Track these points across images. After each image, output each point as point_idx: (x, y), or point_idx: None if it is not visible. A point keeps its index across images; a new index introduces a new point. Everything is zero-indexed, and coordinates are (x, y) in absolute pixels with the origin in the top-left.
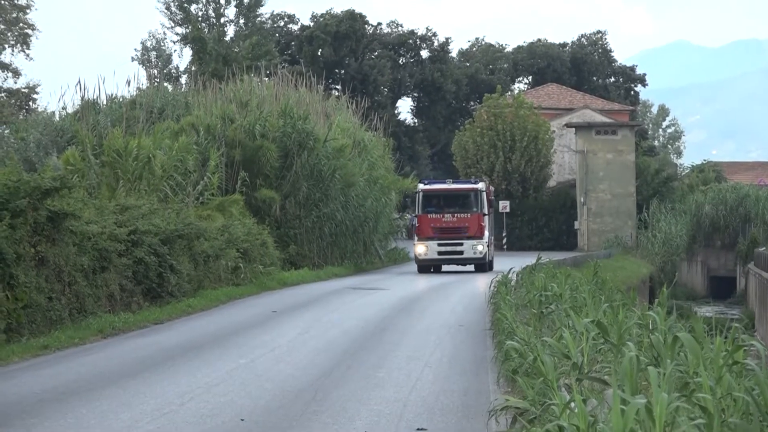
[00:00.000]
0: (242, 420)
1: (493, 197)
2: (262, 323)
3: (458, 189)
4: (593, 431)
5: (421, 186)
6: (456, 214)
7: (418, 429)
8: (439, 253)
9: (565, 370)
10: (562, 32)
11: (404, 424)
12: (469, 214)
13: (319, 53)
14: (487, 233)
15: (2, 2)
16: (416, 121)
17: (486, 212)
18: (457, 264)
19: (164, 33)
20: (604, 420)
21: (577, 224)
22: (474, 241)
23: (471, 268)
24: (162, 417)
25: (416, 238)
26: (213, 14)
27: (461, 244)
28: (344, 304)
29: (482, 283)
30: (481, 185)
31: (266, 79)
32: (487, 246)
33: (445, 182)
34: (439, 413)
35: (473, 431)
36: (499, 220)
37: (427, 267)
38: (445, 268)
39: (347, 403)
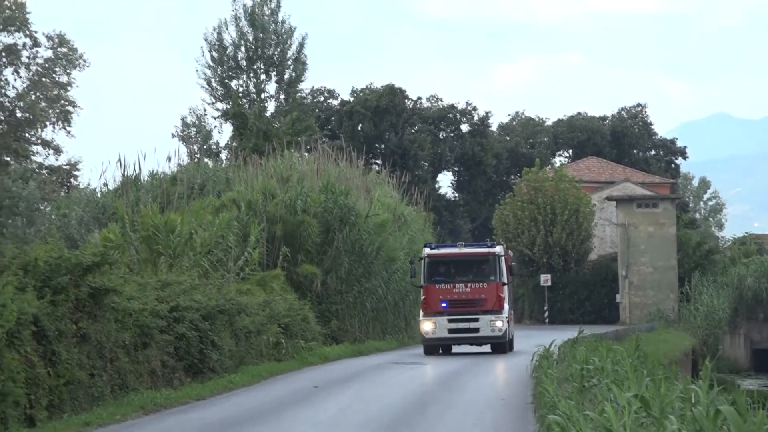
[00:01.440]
0: None
1: (513, 263)
2: (303, 399)
3: (472, 254)
4: None
5: (426, 250)
6: (470, 284)
7: None
8: (450, 330)
9: None
10: (602, 105)
11: None
12: (485, 284)
13: (359, 128)
14: (506, 306)
15: (43, 80)
16: (457, 195)
17: (505, 281)
18: (472, 344)
19: (204, 109)
20: None
21: (618, 297)
22: (492, 316)
23: (486, 348)
24: None
25: (422, 313)
26: (254, 90)
27: (476, 320)
28: (385, 379)
29: (520, 359)
30: (498, 249)
31: (307, 154)
32: (507, 322)
33: (455, 246)
34: None
35: None
36: (540, 293)
37: (435, 348)
38: (455, 349)
39: None
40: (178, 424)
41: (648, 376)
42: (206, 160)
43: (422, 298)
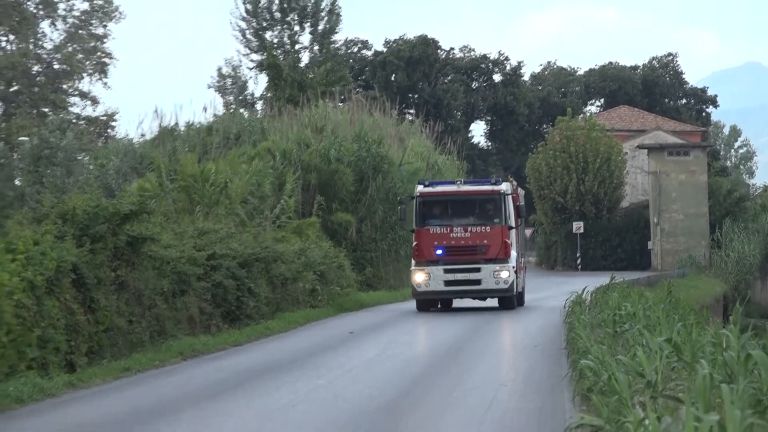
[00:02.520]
0: None
1: (522, 202)
2: (339, 344)
3: (472, 192)
4: None
5: (419, 188)
6: (470, 228)
7: None
8: (447, 282)
9: (639, 388)
10: (634, 55)
11: None
12: (488, 228)
13: (392, 78)
14: (514, 254)
15: (80, 32)
16: (489, 144)
17: (513, 224)
18: (473, 297)
19: (240, 60)
20: None
21: (650, 244)
22: (496, 266)
23: (493, 302)
24: None
25: (413, 262)
26: (288, 41)
27: (478, 270)
28: (420, 325)
29: (558, 303)
30: (504, 186)
31: (341, 104)
32: (515, 272)
33: (454, 183)
34: None
35: None
36: (573, 241)
37: (430, 303)
38: (457, 302)
39: (424, 422)
40: (215, 370)
41: (679, 322)
42: (242, 110)
43: (414, 244)
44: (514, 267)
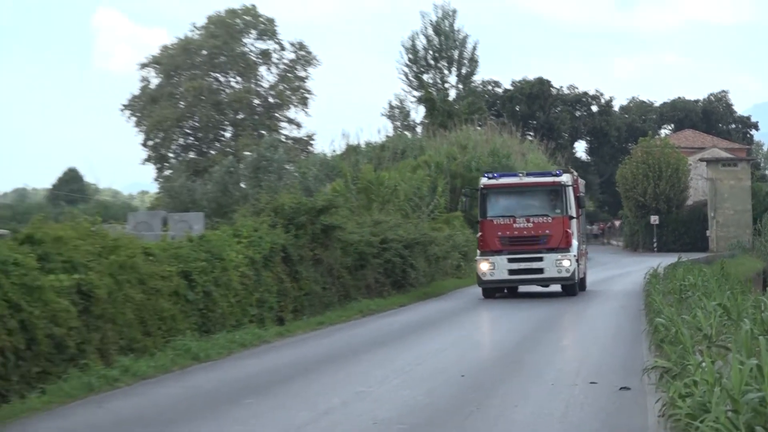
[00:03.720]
0: (462, 376)
1: (582, 193)
2: (475, 306)
3: (534, 183)
4: (718, 384)
5: (484, 180)
6: (532, 219)
7: (591, 382)
8: (511, 271)
9: (698, 339)
10: (696, 92)
11: (581, 378)
12: (550, 218)
13: (517, 109)
14: (575, 243)
15: (288, 75)
16: (589, 158)
17: (574, 214)
18: (537, 285)
19: (405, 95)
20: (726, 376)
21: (708, 233)
22: (558, 255)
23: (556, 287)
24: (404, 374)
25: (478, 252)
26: (439, 82)
27: (540, 259)
28: (534, 293)
29: (639, 276)
30: (565, 178)
31: (479, 128)
32: (577, 260)
33: (516, 175)
34: (606, 371)
35: (631, 384)
36: (650, 230)
37: (495, 291)
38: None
39: (538, 363)
40: (386, 324)
41: (729, 290)
42: (406, 132)
43: (479, 234)
44: (575, 255)
